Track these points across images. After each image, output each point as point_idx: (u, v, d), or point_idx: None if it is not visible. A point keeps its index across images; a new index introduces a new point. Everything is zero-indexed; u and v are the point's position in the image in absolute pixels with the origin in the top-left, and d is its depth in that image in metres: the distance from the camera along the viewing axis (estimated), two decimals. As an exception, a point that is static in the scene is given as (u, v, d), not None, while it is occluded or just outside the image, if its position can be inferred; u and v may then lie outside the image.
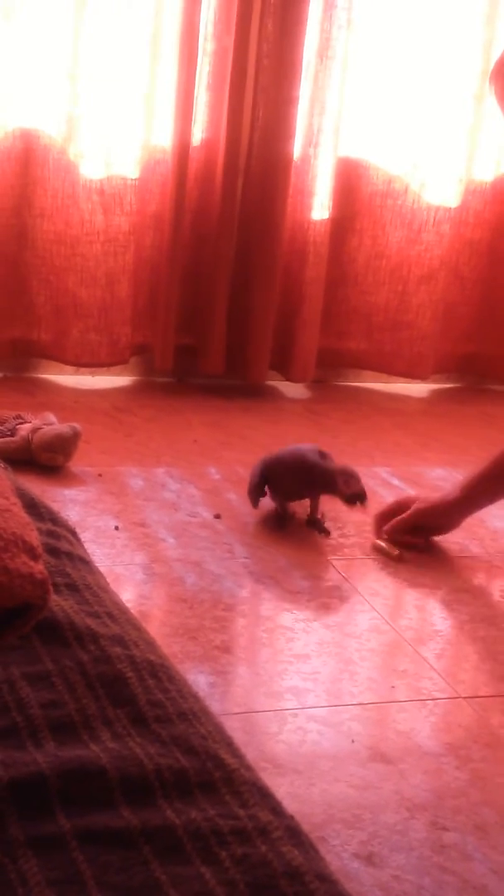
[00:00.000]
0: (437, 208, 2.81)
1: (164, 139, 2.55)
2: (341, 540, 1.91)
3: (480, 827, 1.19)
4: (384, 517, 1.92)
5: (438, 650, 1.60)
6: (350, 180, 2.78)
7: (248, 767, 0.73)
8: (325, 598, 1.70)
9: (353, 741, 1.33)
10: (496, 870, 1.13)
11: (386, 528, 1.91)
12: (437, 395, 2.95)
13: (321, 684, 1.45)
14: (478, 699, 1.47)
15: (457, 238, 2.87)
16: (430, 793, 1.24)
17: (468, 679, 1.54)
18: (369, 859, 1.12)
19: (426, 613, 1.73)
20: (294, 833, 0.65)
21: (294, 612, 1.64)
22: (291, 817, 0.68)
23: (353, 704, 1.41)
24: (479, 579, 1.84)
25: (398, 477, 2.25)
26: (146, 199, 2.59)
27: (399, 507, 1.93)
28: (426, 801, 1.23)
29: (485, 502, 1.94)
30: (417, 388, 2.94)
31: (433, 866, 1.13)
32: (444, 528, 1.94)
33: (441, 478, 2.27)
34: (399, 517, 1.91)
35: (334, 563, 1.82)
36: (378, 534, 1.92)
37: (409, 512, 1.91)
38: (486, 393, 2.98)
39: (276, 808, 0.68)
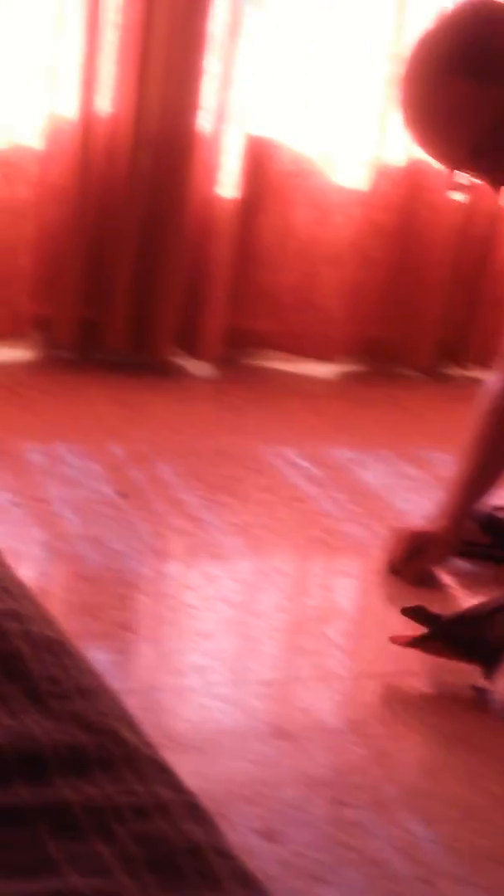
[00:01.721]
0: (347, 190, 2.81)
1: (70, 110, 2.50)
2: (249, 519, 1.90)
3: (381, 803, 1.20)
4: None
5: (343, 629, 1.60)
6: (259, 159, 2.76)
7: (148, 744, 0.71)
8: (231, 577, 1.69)
9: (254, 717, 1.32)
10: (396, 845, 1.14)
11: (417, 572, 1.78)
12: (345, 378, 2.96)
13: (224, 662, 1.44)
14: (381, 677, 1.47)
15: (366, 221, 2.87)
16: (332, 769, 1.24)
17: (372, 657, 1.54)
18: (270, 836, 1.11)
19: (331, 592, 1.73)
20: (194, 809, 0.64)
21: (198, 590, 1.62)
22: (192, 794, 0.67)
23: (257, 682, 1.40)
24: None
25: (305, 458, 2.25)
26: (50, 169, 2.54)
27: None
28: (327, 777, 1.23)
29: (471, 512, 1.88)
30: (326, 370, 2.94)
31: (333, 842, 1.13)
32: (443, 557, 1.83)
33: (349, 459, 2.28)
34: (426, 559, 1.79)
35: (241, 542, 1.81)
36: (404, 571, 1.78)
37: (434, 558, 1.80)
38: (395, 377, 3.00)
39: (176, 785, 0.66)
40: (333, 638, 1.55)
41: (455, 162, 1.64)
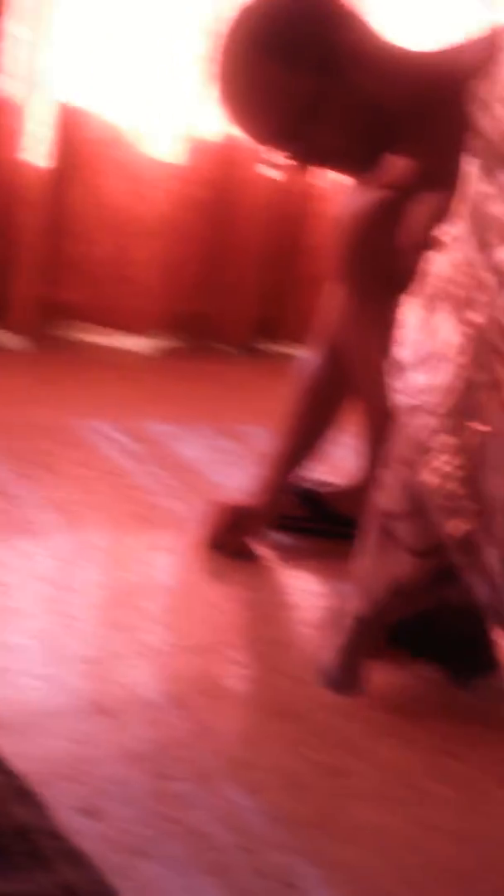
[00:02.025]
0: (162, 164, 2.79)
1: None
2: (64, 494, 1.86)
3: (204, 775, 1.19)
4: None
5: (162, 603, 1.59)
6: (72, 128, 2.70)
7: None
8: (46, 554, 1.65)
9: (74, 695, 1.29)
10: (219, 817, 1.13)
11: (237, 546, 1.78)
12: (161, 352, 2.94)
13: (42, 640, 1.40)
14: (201, 651, 1.47)
15: (181, 195, 2.85)
16: (154, 744, 1.23)
17: (191, 631, 1.53)
18: (91, 813, 1.09)
19: (149, 567, 1.71)
20: (21, 792, 0.61)
21: (12, 567, 1.58)
22: (18, 776, 0.64)
23: (75, 659, 1.37)
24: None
25: (121, 432, 2.21)
26: None
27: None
28: (149, 752, 1.21)
29: (287, 486, 1.88)
30: (141, 344, 2.91)
31: (157, 816, 1.11)
32: (262, 528, 1.83)
33: (166, 433, 2.26)
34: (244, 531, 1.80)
35: (56, 517, 1.77)
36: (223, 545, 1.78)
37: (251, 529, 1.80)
38: (209, 351, 3.00)
39: (2, 767, 0.64)
40: (152, 613, 1.54)
41: (264, 141, 1.65)
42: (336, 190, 2.99)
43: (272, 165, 1.72)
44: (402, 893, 1.07)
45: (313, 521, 1.90)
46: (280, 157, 1.66)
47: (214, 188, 2.93)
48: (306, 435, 1.89)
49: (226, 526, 1.78)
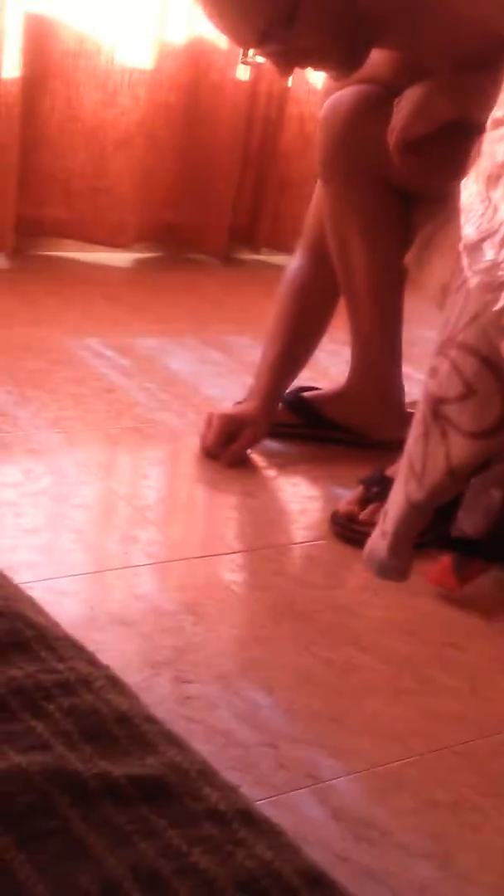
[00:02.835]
0: (132, 70, 2.75)
1: None
2: (61, 413, 1.89)
3: (221, 677, 1.25)
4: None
5: (166, 515, 1.63)
6: (40, 38, 2.65)
7: (56, 624, 0.73)
8: (49, 472, 1.68)
9: (91, 608, 1.34)
10: (238, 714, 1.19)
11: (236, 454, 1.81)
12: (140, 265, 2.94)
13: (52, 556, 1.44)
14: (208, 558, 1.52)
15: (152, 102, 2.82)
16: (172, 650, 1.28)
17: (197, 540, 1.58)
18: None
19: (150, 480, 1.75)
20: (114, 681, 0.66)
21: (18, 486, 1.61)
22: (108, 667, 0.69)
23: (89, 573, 1.42)
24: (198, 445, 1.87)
25: (110, 347, 2.23)
26: None
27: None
28: (168, 658, 1.26)
29: (280, 394, 1.91)
30: (121, 258, 2.91)
31: (180, 717, 1.17)
32: (256, 439, 1.86)
33: (154, 347, 2.28)
34: (241, 443, 1.82)
35: (55, 436, 1.80)
36: (220, 455, 1.81)
37: (247, 438, 1.82)
38: (188, 262, 3.00)
39: (91, 659, 0.68)
40: (157, 524, 1.58)
41: (245, 43, 1.64)
42: (310, 92, 2.97)
43: (248, 64, 1.70)
44: (414, 778, 1.14)
45: (304, 428, 1.94)
46: (261, 59, 1.65)
47: (186, 93, 2.89)
48: (296, 341, 1.90)
49: (222, 436, 1.81)
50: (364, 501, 1.63)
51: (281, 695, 1.23)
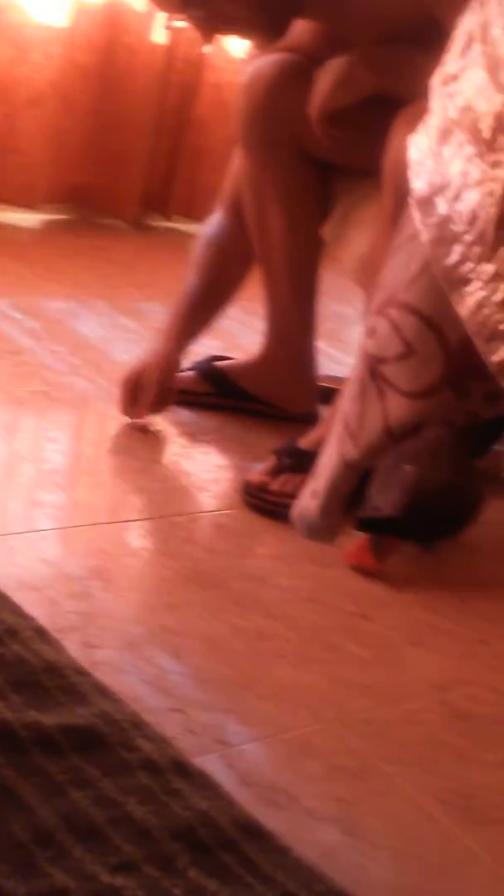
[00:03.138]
0: (46, 27, 2.68)
1: None
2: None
3: (130, 643, 1.23)
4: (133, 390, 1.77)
5: (74, 480, 1.61)
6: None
7: None
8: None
9: (-3, 572, 1.31)
10: (147, 680, 1.18)
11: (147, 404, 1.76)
12: (49, 227, 2.88)
13: (-41, 518, 1.41)
14: (116, 524, 1.50)
15: (66, 61, 2.76)
16: (80, 615, 1.26)
17: (105, 505, 1.56)
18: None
19: (59, 444, 1.72)
20: (41, 632, 0.64)
21: None
22: (34, 618, 0.67)
23: (-5, 536, 1.39)
24: (110, 412, 1.85)
25: (18, 309, 2.18)
26: None
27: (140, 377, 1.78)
28: (76, 623, 1.24)
29: (187, 340, 1.86)
30: (29, 219, 2.85)
31: (88, 683, 1.15)
32: (166, 383, 1.79)
33: (63, 310, 2.24)
34: (148, 391, 1.77)
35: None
36: (132, 411, 1.77)
37: (154, 382, 1.77)
38: (99, 226, 2.96)
39: (17, 610, 0.66)
40: (64, 489, 1.56)
41: (168, 7, 1.61)
42: (228, 60, 2.94)
43: (173, 31, 1.68)
44: (322, 744, 1.14)
45: (217, 397, 1.92)
46: (184, 23, 1.63)
47: (101, 54, 2.84)
48: (210, 290, 1.85)
49: (130, 399, 1.78)
50: (276, 472, 1.62)
51: (190, 661, 1.23)
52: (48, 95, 2.73)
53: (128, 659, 1.21)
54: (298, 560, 1.48)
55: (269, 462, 1.65)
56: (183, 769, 0.57)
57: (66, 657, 0.64)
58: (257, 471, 1.65)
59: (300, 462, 1.54)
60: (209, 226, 1.90)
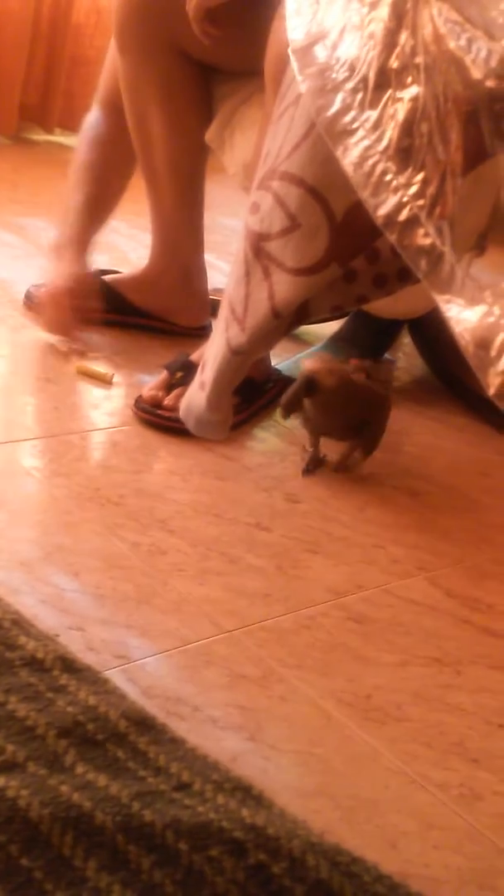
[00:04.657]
0: None
1: None
2: None
3: (25, 563, 1.21)
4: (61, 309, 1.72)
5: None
6: None
7: None
8: None
9: None
10: (44, 600, 1.16)
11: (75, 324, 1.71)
12: None
13: None
14: (6, 444, 1.46)
15: None
16: (-28, 538, 1.23)
17: (-7, 427, 1.53)
18: None
19: None
20: None
21: None
22: None
23: None
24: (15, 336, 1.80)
25: None
26: None
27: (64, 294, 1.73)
28: (-31, 546, 1.22)
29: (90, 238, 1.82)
30: None
31: (-17, 606, 1.13)
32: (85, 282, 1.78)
33: None
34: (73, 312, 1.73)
35: None
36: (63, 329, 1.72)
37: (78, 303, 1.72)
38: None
39: None
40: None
41: None
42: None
43: None
44: (223, 654, 1.14)
45: (106, 313, 1.88)
46: None
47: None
48: (99, 187, 1.80)
49: (64, 310, 1.72)
50: (169, 387, 1.60)
51: (87, 579, 1.21)
52: None
53: (23, 579, 1.18)
54: (194, 474, 1.47)
55: (161, 377, 1.63)
56: (69, 665, 0.55)
57: None
58: (149, 386, 1.63)
59: (192, 376, 1.52)
60: (89, 127, 1.84)
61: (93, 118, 1.84)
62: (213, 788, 0.57)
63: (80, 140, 1.83)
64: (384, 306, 1.75)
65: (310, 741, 1.05)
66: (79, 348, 1.74)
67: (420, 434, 1.74)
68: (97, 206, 1.80)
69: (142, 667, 1.09)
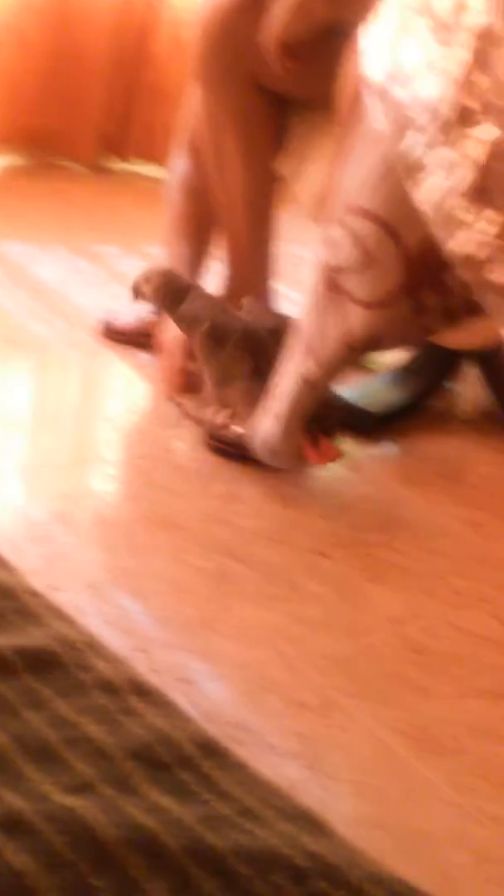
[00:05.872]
0: (-2, -36, 2.63)
1: None
2: None
3: (92, 585, 1.24)
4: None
5: (33, 424, 1.61)
6: None
7: None
8: None
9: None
10: (109, 621, 1.19)
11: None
12: (6, 171, 2.83)
13: None
14: (78, 468, 1.50)
15: (20, 0, 2.70)
16: (42, 559, 1.27)
17: (65, 449, 1.56)
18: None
19: (17, 389, 1.71)
20: None
21: None
22: None
23: (-45, 482, 1.39)
24: (70, 356, 1.84)
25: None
26: None
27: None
28: (39, 567, 1.25)
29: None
30: (-14, 162, 2.81)
31: (51, 625, 1.16)
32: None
33: (21, 254, 2.22)
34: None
35: None
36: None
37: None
38: (56, 169, 2.91)
39: None
40: (27, 434, 1.56)
41: None
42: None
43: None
44: (283, 681, 1.16)
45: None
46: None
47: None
48: (199, 240, 1.86)
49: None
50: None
51: (152, 602, 1.24)
52: (3, 36, 2.68)
53: (90, 601, 1.22)
54: (259, 501, 1.49)
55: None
56: (140, 689, 0.57)
57: (20, 579, 0.65)
58: (221, 415, 1.65)
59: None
60: (180, 176, 1.87)
61: (182, 166, 1.88)
62: (274, 814, 0.59)
63: (173, 187, 1.87)
64: (451, 337, 1.76)
65: (366, 771, 1.06)
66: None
67: (483, 465, 1.74)
68: (202, 256, 1.86)
69: (203, 691, 1.11)
